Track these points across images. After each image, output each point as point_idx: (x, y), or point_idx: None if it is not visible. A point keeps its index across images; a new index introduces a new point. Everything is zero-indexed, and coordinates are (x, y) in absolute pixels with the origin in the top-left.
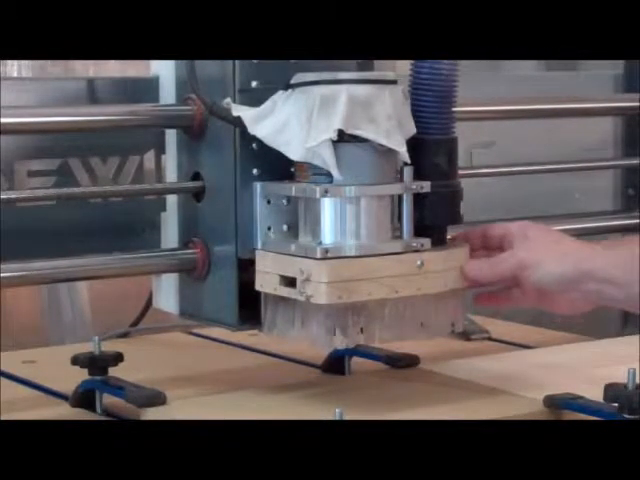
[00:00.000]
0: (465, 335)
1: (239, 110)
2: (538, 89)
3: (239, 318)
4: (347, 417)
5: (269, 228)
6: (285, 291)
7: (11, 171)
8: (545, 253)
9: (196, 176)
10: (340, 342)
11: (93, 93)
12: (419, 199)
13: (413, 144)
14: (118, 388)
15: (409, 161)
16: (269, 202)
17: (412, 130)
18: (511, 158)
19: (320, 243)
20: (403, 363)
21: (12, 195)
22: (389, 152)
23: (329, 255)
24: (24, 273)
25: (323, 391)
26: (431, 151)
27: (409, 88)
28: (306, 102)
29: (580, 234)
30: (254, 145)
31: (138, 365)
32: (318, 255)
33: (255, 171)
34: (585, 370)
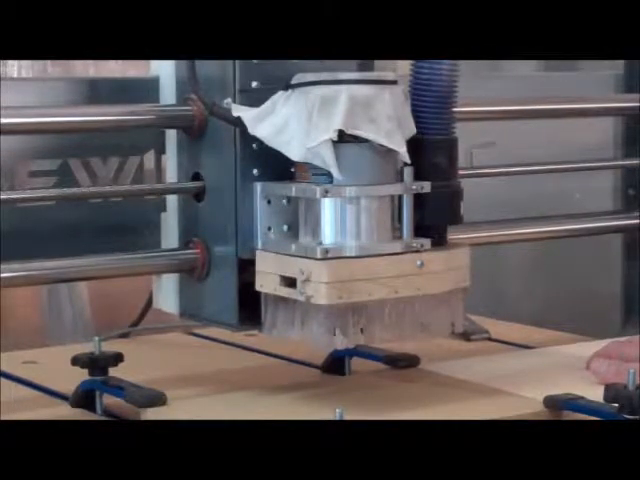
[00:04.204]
0: (465, 335)
1: (239, 110)
2: (538, 89)
3: (239, 318)
4: (347, 417)
5: (269, 228)
6: (285, 291)
7: (11, 171)
8: None
9: (196, 176)
10: (340, 342)
11: (93, 93)
12: (419, 199)
13: (413, 144)
14: (118, 388)
15: (409, 161)
16: (269, 202)
17: (412, 130)
18: (511, 158)
19: (320, 243)
20: (403, 363)
21: (12, 195)
22: (389, 152)
23: (329, 255)
24: (24, 273)
25: (323, 391)
26: (431, 151)
27: (409, 88)
28: (306, 102)
29: (580, 234)
30: (254, 145)
31: (138, 365)
32: (318, 255)
33: (255, 171)
34: (585, 370)
